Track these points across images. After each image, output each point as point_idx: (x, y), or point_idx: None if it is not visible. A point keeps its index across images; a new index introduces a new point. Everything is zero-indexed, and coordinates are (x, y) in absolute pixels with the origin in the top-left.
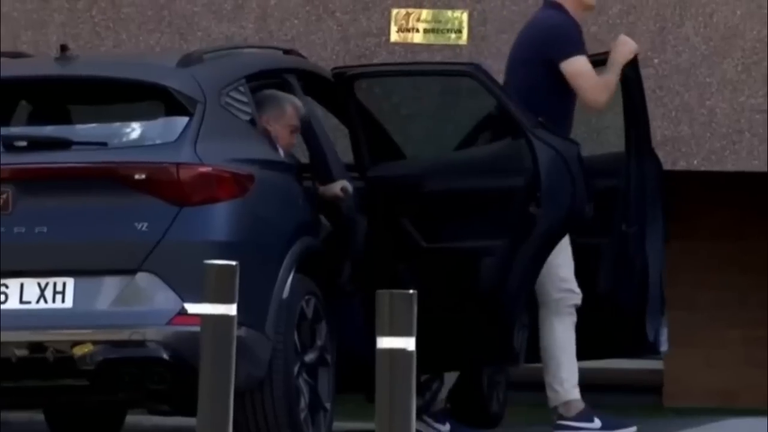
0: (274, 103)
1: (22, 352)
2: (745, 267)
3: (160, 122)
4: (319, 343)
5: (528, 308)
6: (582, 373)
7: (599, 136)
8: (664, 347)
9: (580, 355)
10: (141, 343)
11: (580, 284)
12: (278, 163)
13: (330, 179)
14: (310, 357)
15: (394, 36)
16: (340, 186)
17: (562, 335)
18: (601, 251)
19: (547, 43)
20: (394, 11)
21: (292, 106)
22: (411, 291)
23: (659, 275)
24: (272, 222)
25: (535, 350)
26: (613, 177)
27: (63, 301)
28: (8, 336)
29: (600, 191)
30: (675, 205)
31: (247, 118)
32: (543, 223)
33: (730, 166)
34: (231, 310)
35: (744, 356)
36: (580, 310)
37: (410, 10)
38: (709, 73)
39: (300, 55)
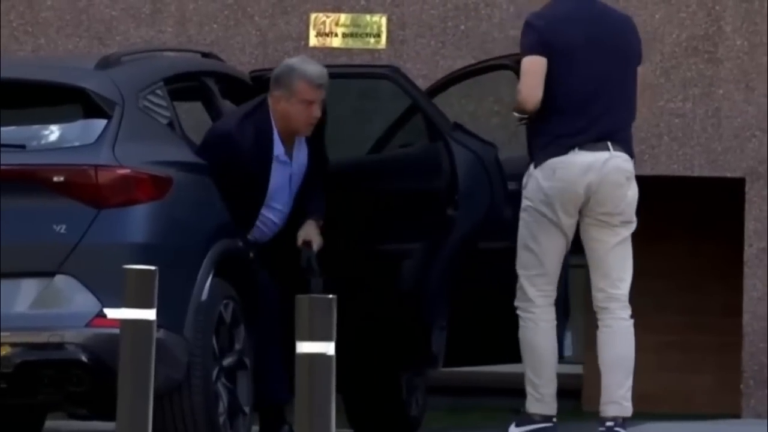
0: (282, 80)
1: None
2: (663, 272)
3: (79, 124)
4: (237, 347)
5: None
6: (502, 377)
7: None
8: (567, 352)
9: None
10: (60, 346)
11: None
12: (196, 165)
13: None
14: (228, 361)
15: (313, 40)
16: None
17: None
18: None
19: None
20: (313, 16)
21: (304, 80)
22: (330, 296)
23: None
24: (191, 224)
25: (453, 353)
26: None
27: None
28: None
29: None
30: None
31: (166, 120)
32: (460, 226)
33: (649, 170)
34: (150, 315)
35: (661, 361)
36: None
37: (329, 14)
38: None
39: (218, 58)
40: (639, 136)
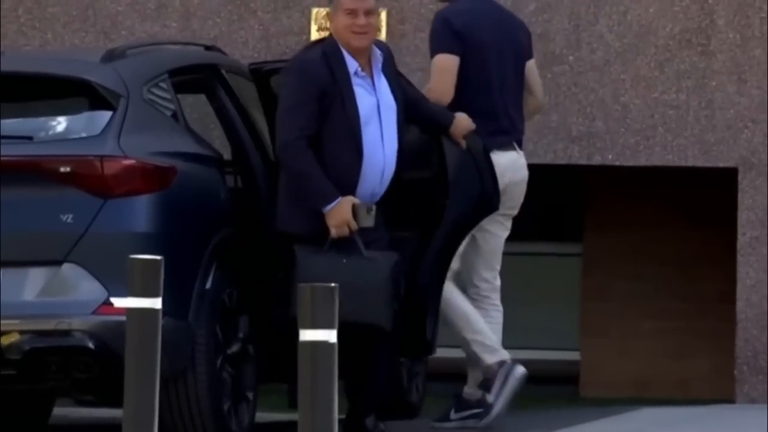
0: None
1: None
2: (659, 259)
3: (84, 116)
4: (241, 335)
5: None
6: None
7: None
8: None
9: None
10: (67, 333)
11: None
12: (200, 156)
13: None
14: (232, 349)
15: (315, 35)
16: None
17: None
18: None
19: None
20: (315, 10)
21: None
22: (332, 284)
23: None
24: (195, 214)
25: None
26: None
27: None
28: None
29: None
30: (590, 199)
31: (170, 112)
32: (451, 214)
33: (644, 161)
34: (156, 303)
35: (657, 347)
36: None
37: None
38: (623, 69)
39: (222, 51)
40: (634, 128)
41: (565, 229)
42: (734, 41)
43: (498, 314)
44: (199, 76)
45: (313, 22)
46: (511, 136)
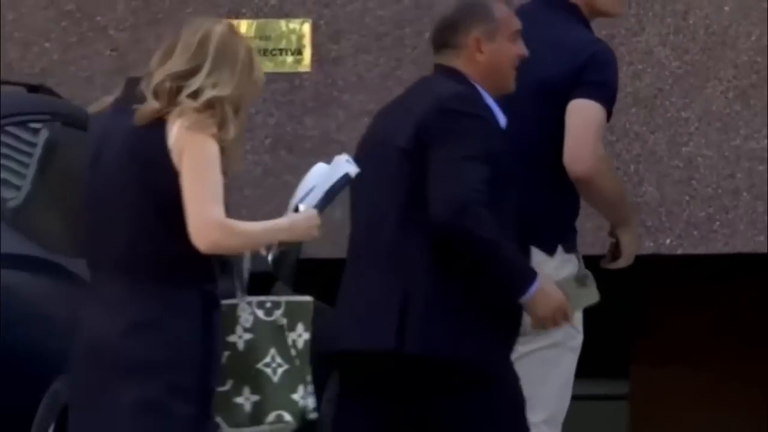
0: (478, 12)
1: None
2: (733, 403)
3: None
4: None
5: None
6: None
7: None
8: None
9: None
10: None
11: None
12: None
13: None
14: None
15: None
16: None
17: None
18: None
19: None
20: None
21: (498, 8)
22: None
23: None
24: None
25: None
26: None
27: None
28: None
29: None
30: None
31: None
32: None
33: (721, 246)
34: None
35: None
36: None
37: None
38: (684, 104)
39: (52, 92)
40: (704, 195)
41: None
42: None
43: None
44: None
45: None
46: None
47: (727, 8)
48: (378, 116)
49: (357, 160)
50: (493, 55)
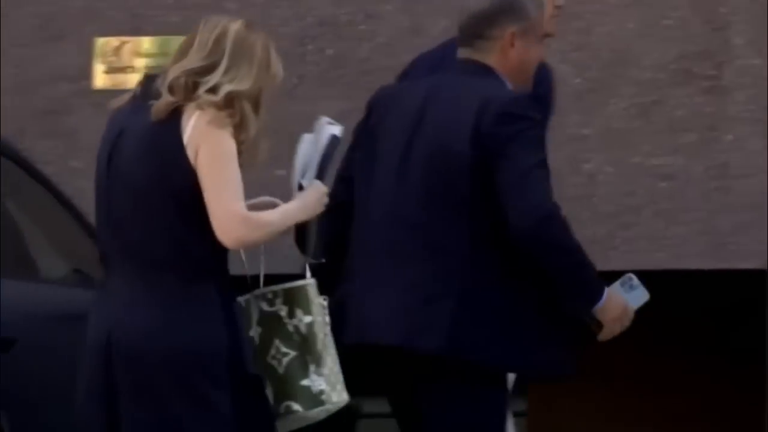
0: (517, 5)
1: None
2: None
3: None
4: None
5: None
6: None
7: None
8: None
9: None
10: None
11: None
12: None
13: None
14: None
15: (101, 80)
16: None
17: None
18: None
19: None
20: (100, 41)
21: (533, 7)
22: None
23: None
24: None
25: None
26: None
27: None
28: None
29: None
30: None
31: None
32: None
33: (619, 263)
34: None
35: None
36: None
37: (125, 38)
38: (585, 120)
39: None
40: (604, 212)
41: None
42: (761, 70)
43: None
44: None
45: (97, 59)
46: None
47: (630, 26)
48: (386, 107)
49: (361, 148)
50: (524, 53)
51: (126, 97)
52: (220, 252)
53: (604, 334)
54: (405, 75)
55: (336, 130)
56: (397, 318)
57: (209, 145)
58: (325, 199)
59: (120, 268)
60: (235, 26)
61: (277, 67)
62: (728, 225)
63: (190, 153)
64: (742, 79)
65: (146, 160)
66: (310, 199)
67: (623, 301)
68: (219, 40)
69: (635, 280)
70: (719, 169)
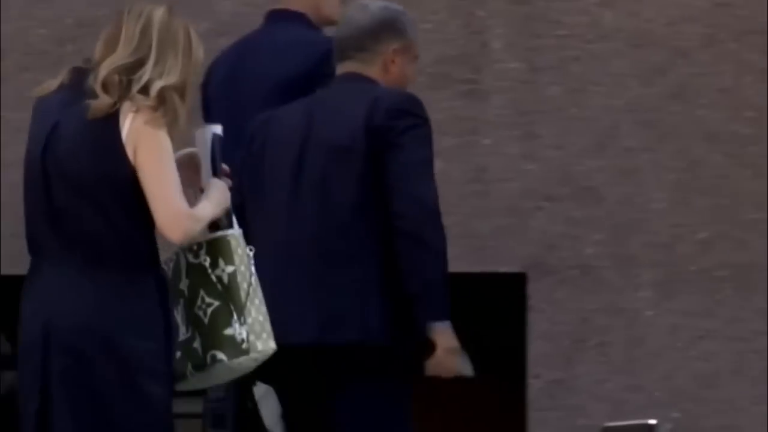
0: (398, 26)
1: None
2: None
3: None
4: None
5: None
6: None
7: None
8: None
9: None
10: None
11: None
12: None
13: None
14: None
15: None
16: None
17: None
18: None
19: None
20: None
21: (413, 29)
22: None
23: None
24: None
25: None
26: None
27: None
28: None
29: None
30: None
31: None
32: None
33: None
34: None
35: None
36: None
37: None
38: None
39: None
40: None
41: None
42: (519, 74)
43: None
44: None
45: None
46: None
47: None
48: (276, 119)
49: (262, 157)
50: (401, 70)
51: (51, 86)
52: (155, 247)
53: (433, 365)
54: (207, 83)
55: (215, 128)
56: (310, 317)
57: (147, 147)
58: (228, 193)
59: (56, 259)
60: (159, 14)
61: (198, 52)
62: (487, 229)
63: (129, 151)
64: (500, 83)
65: (88, 157)
66: (218, 195)
67: (458, 345)
68: (145, 32)
69: (465, 354)
70: (477, 173)
